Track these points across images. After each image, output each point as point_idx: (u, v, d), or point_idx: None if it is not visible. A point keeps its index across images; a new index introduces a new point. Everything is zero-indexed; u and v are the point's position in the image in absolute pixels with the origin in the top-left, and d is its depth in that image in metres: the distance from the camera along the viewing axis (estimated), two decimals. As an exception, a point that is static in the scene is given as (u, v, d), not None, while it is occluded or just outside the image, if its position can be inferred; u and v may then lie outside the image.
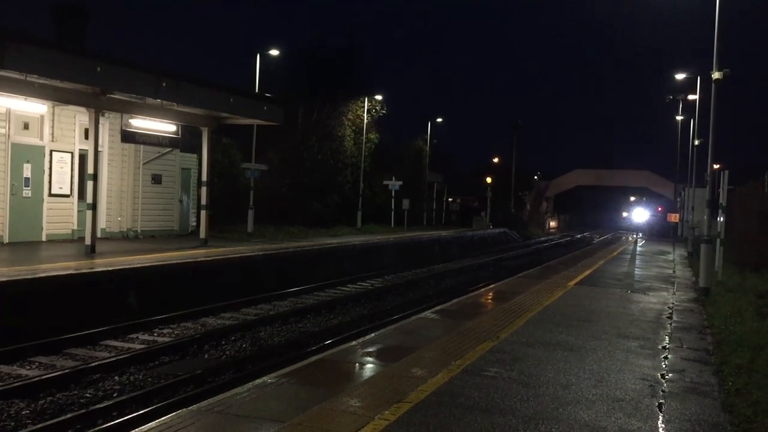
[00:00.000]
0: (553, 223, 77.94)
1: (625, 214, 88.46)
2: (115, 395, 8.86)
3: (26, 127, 17.70)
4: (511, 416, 5.62)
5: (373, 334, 9.05)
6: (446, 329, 9.26)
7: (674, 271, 20.25)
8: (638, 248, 32.57)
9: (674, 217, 49.15)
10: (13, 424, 7.67)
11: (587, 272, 18.48)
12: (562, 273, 17.99)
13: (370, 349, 7.92)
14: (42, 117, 17.94)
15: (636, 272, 19.35)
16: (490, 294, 13.60)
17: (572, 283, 15.60)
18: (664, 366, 7.72)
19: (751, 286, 15.05)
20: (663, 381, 7.04)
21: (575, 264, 21.45)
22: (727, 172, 17.85)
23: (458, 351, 7.87)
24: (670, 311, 12.01)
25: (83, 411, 8.04)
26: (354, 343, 8.34)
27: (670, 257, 26.60)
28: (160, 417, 5.55)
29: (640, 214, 70.71)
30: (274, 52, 29.94)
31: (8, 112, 16.92)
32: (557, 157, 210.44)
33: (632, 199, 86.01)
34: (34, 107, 16.87)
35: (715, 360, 8.22)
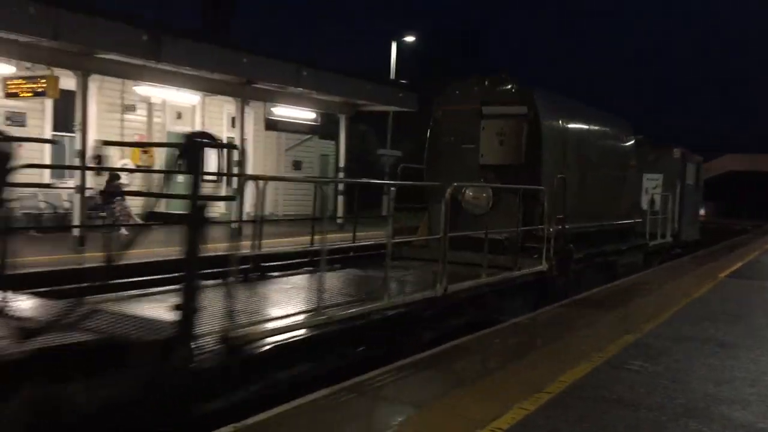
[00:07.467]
0: (701, 211, 73.10)
1: None
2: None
3: (179, 116, 18.90)
4: (658, 412, 5.37)
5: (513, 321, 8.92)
6: (587, 320, 8.98)
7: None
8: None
9: None
10: None
11: (740, 264, 17.28)
12: (710, 264, 16.94)
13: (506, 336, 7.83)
14: (194, 107, 19.08)
15: (797, 265, 17.86)
16: (633, 284, 13.03)
17: (723, 274, 14.64)
18: (831, 368, 7.08)
19: None
20: (830, 384, 6.45)
21: (727, 255, 20.13)
22: None
23: (599, 343, 7.61)
24: (838, 308, 10.98)
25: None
26: (488, 331, 8.25)
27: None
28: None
29: None
30: (410, 39, 30.11)
31: (164, 103, 18.14)
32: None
33: None
34: (187, 98, 17.96)
35: None
